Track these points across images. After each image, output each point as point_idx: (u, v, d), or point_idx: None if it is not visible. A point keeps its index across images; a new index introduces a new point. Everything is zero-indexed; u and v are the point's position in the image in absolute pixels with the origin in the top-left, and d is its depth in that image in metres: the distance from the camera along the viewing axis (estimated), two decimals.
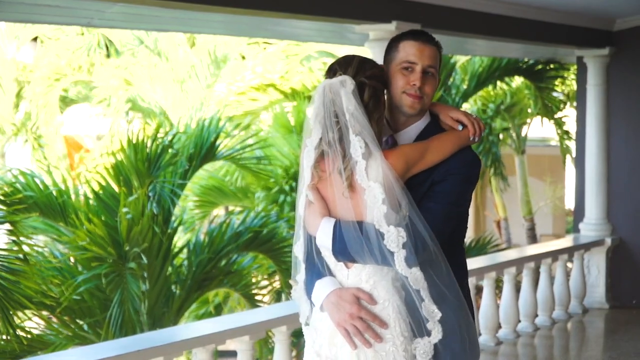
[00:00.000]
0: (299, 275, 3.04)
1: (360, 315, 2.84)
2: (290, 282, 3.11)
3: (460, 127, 3.02)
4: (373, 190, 2.82)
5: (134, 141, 7.90)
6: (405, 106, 2.99)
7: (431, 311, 2.85)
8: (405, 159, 2.88)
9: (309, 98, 11.79)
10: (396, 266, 2.82)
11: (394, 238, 2.80)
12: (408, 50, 3.00)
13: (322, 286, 2.92)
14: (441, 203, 2.91)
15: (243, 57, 15.07)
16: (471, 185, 3.01)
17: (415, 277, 2.83)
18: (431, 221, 2.84)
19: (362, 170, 2.82)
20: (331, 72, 2.92)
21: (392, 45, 3.05)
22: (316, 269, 2.96)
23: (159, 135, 8.21)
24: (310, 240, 2.97)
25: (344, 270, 2.92)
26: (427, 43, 3.02)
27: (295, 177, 10.45)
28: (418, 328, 2.87)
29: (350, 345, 2.86)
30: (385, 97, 3.00)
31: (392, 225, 2.80)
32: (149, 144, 7.95)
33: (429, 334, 2.86)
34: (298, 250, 3.02)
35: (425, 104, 3.02)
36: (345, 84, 2.85)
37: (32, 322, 7.40)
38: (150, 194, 7.89)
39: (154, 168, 7.92)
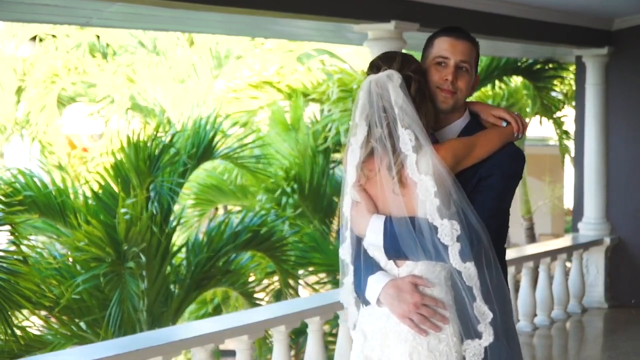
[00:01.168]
0: (347, 277, 2.97)
1: (424, 303, 2.78)
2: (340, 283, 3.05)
3: (504, 124, 3.02)
4: (425, 183, 2.76)
5: (135, 140, 7.89)
6: (438, 102, 2.97)
7: (482, 312, 2.79)
8: (453, 153, 2.85)
9: (305, 95, 11.76)
10: (450, 260, 2.75)
11: (448, 231, 2.74)
12: (441, 46, 3.00)
13: (376, 281, 2.85)
14: (489, 197, 2.89)
15: (238, 57, 15.03)
16: (516, 180, 3.00)
17: (469, 272, 2.77)
18: (479, 215, 2.80)
19: (412, 163, 2.77)
20: (374, 68, 2.88)
21: (428, 42, 3.06)
22: (366, 268, 2.89)
23: (158, 134, 8.20)
24: (358, 241, 2.91)
25: (394, 269, 2.85)
26: (461, 38, 3.01)
27: (295, 178, 10.43)
28: (466, 330, 2.80)
29: (420, 333, 2.78)
30: None
31: (445, 219, 2.74)
32: (149, 144, 7.93)
33: (479, 336, 2.80)
34: (344, 252, 2.96)
35: (459, 100, 3.00)
36: (393, 78, 2.82)
37: (30, 322, 7.37)
38: (151, 194, 7.87)
39: (154, 167, 7.91)
